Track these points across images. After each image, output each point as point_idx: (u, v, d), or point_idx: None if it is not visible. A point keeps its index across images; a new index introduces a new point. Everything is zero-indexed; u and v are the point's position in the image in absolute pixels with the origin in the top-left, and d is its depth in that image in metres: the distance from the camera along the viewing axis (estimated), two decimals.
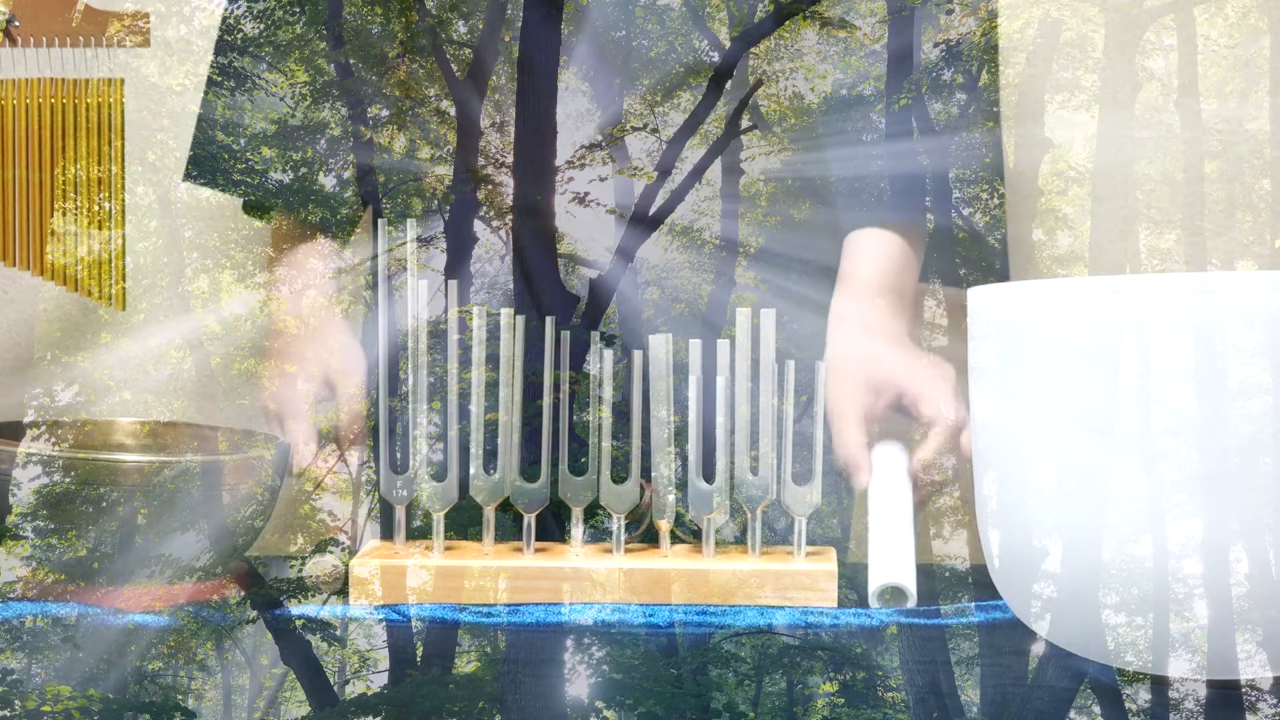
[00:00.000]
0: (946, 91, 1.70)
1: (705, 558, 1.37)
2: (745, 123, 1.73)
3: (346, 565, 1.40)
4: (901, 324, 1.66)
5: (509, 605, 1.35)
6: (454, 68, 1.73)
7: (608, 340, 1.65)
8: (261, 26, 1.77)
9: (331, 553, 1.51)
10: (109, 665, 1.24)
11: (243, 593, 1.43)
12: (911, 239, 1.70)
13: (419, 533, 1.43)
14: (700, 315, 1.74)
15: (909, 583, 1.36)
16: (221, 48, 1.74)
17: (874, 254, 1.68)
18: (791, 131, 1.73)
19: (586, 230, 1.74)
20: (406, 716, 1.16)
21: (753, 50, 1.72)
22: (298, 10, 1.75)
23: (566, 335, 1.39)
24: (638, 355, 1.38)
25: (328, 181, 1.74)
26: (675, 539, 1.40)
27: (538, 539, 1.39)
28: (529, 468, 1.39)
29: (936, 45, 1.70)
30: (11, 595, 1.39)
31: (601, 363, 1.38)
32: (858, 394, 1.59)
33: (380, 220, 1.43)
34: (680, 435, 1.39)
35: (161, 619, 1.34)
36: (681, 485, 1.39)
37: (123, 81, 1.50)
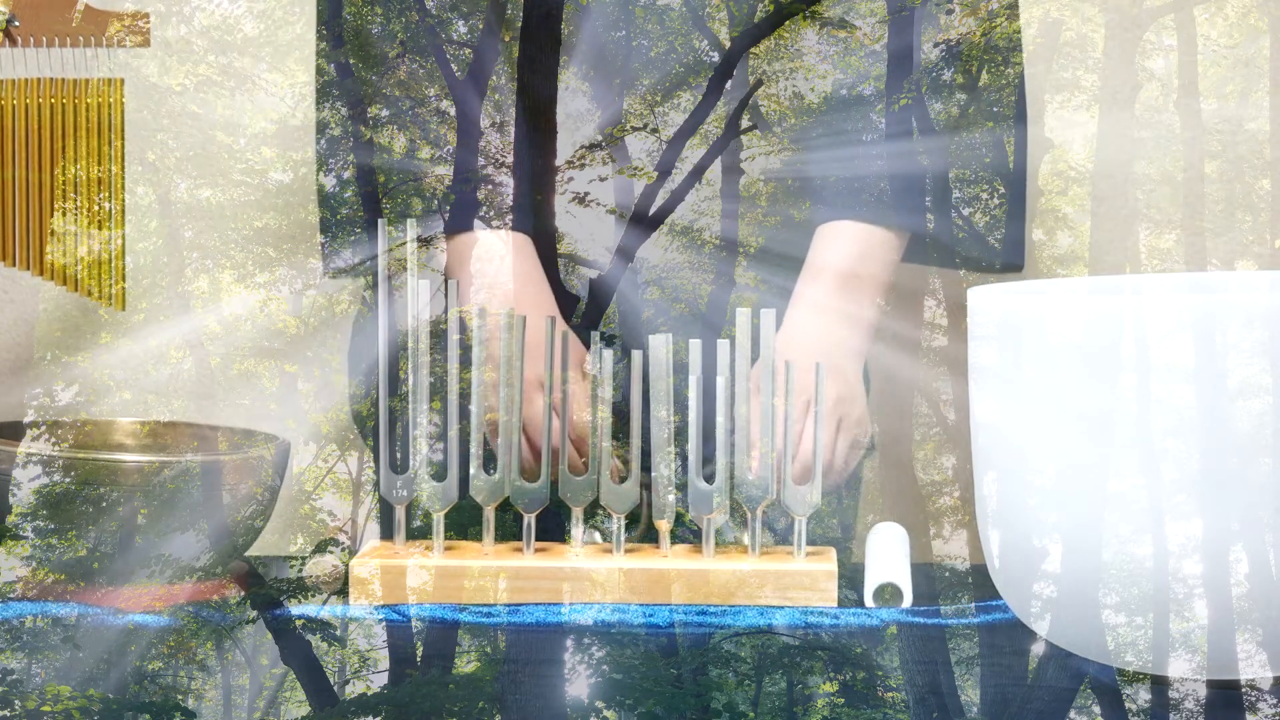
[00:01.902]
0: (946, 91, 1.70)
1: (705, 558, 1.37)
2: (745, 123, 1.73)
3: (346, 565, 1.40)
4: (848, 328, 1.66)
5: (509, 605, 1.35)
6: (454, 68, 1.73)
7: (608, 340, 1.65)
8: (262, 26, 1.77)
9: (331, 553, 1.51)
10: (109, 665, 1.24)
11: (243, 593, 1.43)
12: (886, 235, 1.70)
13: (419, 533, 1.43)
14: (700, 315, 1.74)
15: (905, 581, 1.36)
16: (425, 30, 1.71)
17: (839, 247, 1.68)
18: (791, 131, 1.73)
19: (586, 230, 1.74)
20: (406, 716, 1.16)
21: (753, 50, 1.72)
22: (297, 10, 1.75)
23: (566, 335, 1.39)
24: (638, 355, 1.38)
25: (328, 181, 1.74)
26: (676, 539, 1.40)
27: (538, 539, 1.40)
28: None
29: (936, 45, 1.70)
30: (11, 595, 1.39)
31: (601, 363, 1.38)
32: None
33: (380, 220, 1.43)
34: (680, 435, 1.39)
35: (161, 619, 1.34)
36: (681, 485, 1.39)
37: (123, 81, 1.50)
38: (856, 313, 1.67)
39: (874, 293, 1.68)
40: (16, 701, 1.14)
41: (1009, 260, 1.72)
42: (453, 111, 1.73)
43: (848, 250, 1.67)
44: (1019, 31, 1.71)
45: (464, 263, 1.66)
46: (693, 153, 1.73)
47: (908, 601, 1.35)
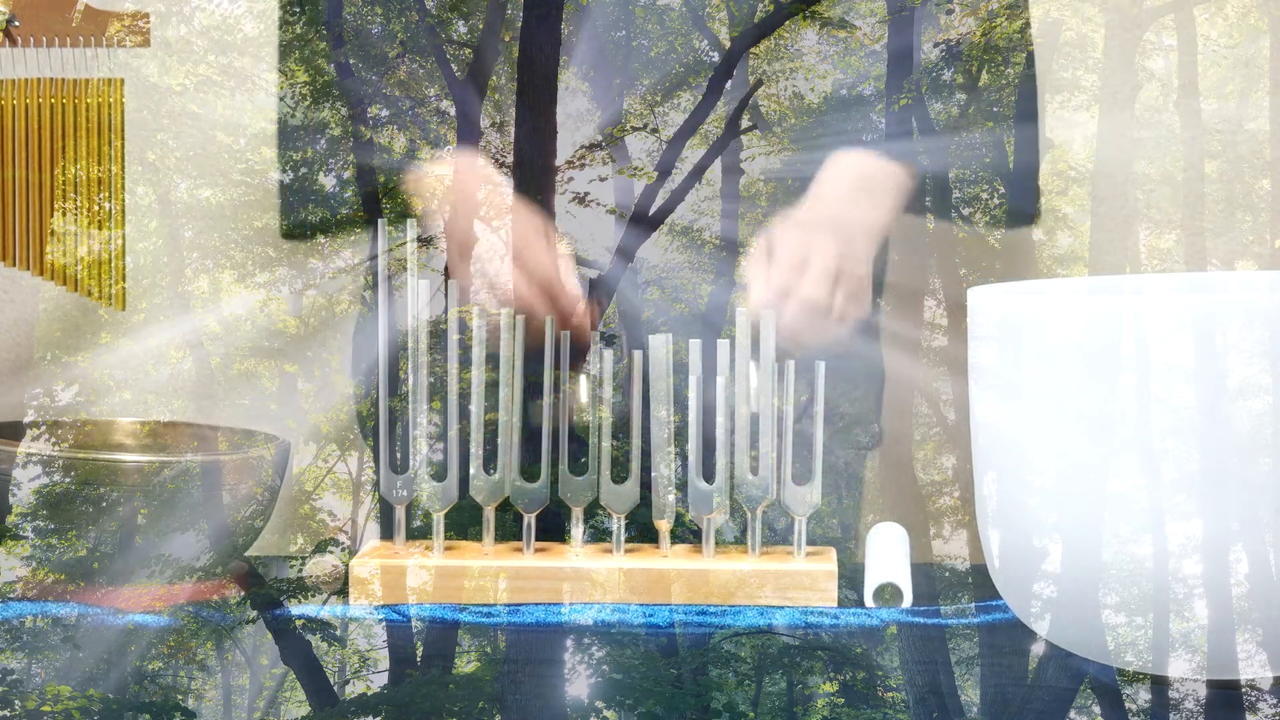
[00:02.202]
0: (946, 91, 1.70)
1: (705, 558, 1.37)
2: (745, 123, 1.73)
3: (346, 565, 1.40)
4: (862, 212, 1.65)
5: (509, 605, 1.35)
6: (454, 68, 1.73)
7: (608, 340, 1.65)
8: (261, 26, 1.77)
9: (331, 553, 1.51)
10: (109, 665, 1.24)
11: (243, 593, 1.43)
12: (896, 166, 1.68)
13: (419, 533, 1.43)
14: (700, 315, 1.74)
15: (905, 581, 1.36)
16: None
17: (850, 162, 1.67)
18: (791, 131, 1.73)
19: (586, 230, 1.74)
20: (406, 716, 1.16)
21: (753, 50, 1.73)
22: (298, 10, 1.75)
23: (566, 335, 1.39)
24: (638, 355, 1.38)
25: (328, 181, 1.74)
26: (676, 539, 1.40)
27: (539, 539, 1.40)
28: (529, 468, 1.39)
29: (936, 45, 1.70)
30: (11, 595, 1.39)
31: (601, 363, 1.38)
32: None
33: (380, 220, 1.43)
34: (680, 435, 1.39)
35: (161, 619, 1.34)
36: (681, 485, 1.39)
37: (123, 81, 1.50)
38: (870, 201, 1.64)
39: (885, 199, 1.66)
40: (16, 701, 1.14)
41: (1018, 206, 1.71)
42: (453, 111, 1.73)
43: (860, 165, 1.66)
44: (1019, 32, 1.71)
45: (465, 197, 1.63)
46: (693, 153, 1.73)
47: (908, 601, 1.35)
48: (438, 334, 1.46)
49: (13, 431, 1.57)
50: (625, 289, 1.73)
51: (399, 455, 1.43)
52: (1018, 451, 1.19)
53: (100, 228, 1.50)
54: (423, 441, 1.38)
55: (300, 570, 1.49)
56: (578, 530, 1.39)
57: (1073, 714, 1.15)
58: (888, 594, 1.36)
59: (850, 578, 1.41)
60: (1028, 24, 1.72)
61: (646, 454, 1.38)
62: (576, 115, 1.74)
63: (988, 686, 1.22)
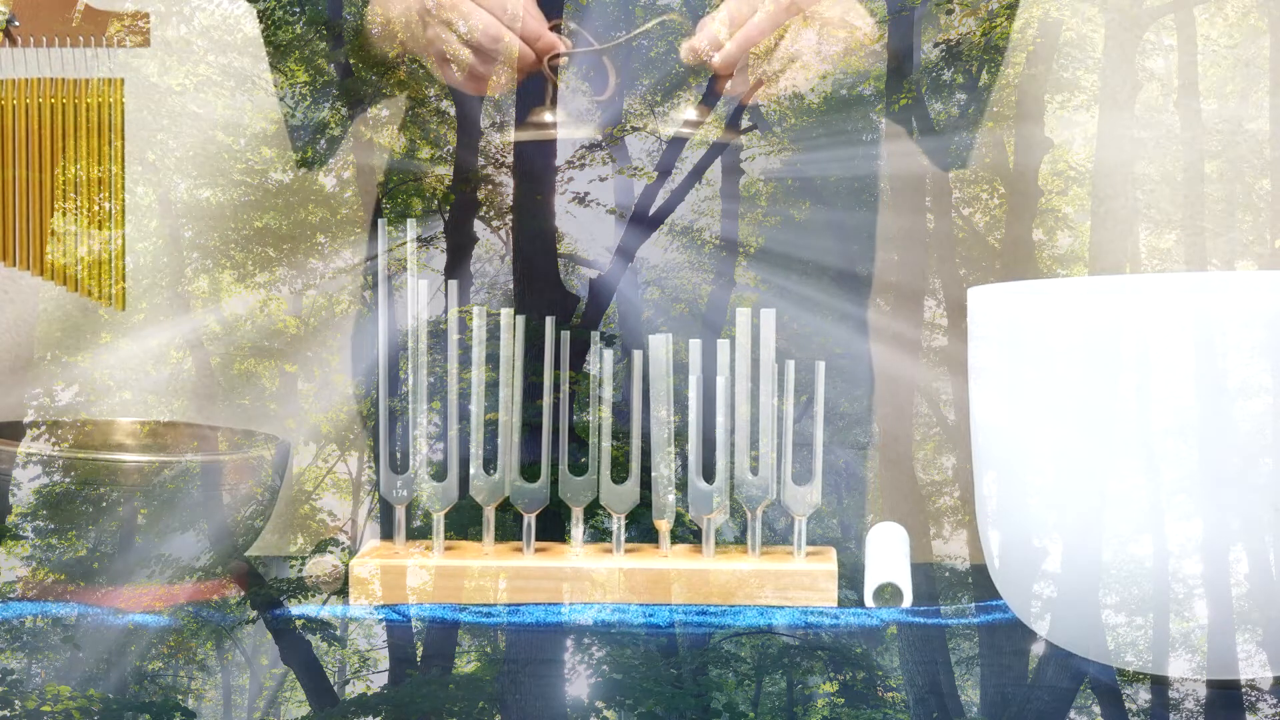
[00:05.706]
0: (946, 91, 1.70)
1: (705, 558, 1.37)
2: (745, 123, 1.73)
3: (346, 565, 1.40)
4: None
5: (509, 605, 1.35)
6: (454, 67, 1.73)
7: (608, 340, 1.65)
8: (261, 26, 1.77)
9: (331, 553, 1.51)
10: (109, 665, 1.24)
11: (243, 593, 1.43)
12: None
13: (419, 533, 1.43)
14: (700, 315, 1.74)
15: (905, 581, 1.36)
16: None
17: None
18: (791, 131, 1.73)
19: (586, 230, 1.74)
20: (406, 716, 1.16)
21: (753, 50, 1.72)
22: (298, 10, 1.75)
23: (566, 335, 1.39)
24: (638, 355, 1.38)
25: (328, 182, 1.74)
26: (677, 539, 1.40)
27: (539, 539, 1.40)
28: (529, 468, 1.39)
29: (936, 45, 1.70)
30: (11, 595, 1.39)
31: (601, 363, 1.38)
32: None
33: (380, 220, 1.43)
34: (680, 435, 1.39)
35: (161, 619, 1.34)
36: (681, 485, 1.39)
37: (123, 81, 1.50)
38: None
39: None
40: (16, 701, 1.14)
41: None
42: (453, 111, 1.73)
43: None
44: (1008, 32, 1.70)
45: None
46: (693, 153, 1.73)
47: (908, 601, 1.35)
48: (438, 334, 1.46)
49: (13, 431, 1.57)
50: (625, 289, 1.73)
51: (399, 455, 1.43)
52: (1018, 451, 1.19)
53: (100, 228, 1.50)
54: (423, 441, 1.38)
55: (300, 570, 1.49)
56: (578, 530, 1.39)
57: (1073, 714, 1.15)
58: (888, 594, 1.36)
59: (850, 578, 1.41)
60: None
61: (646, 454, 1.38)
62: (576, 115, 1.74)
63: (988, 686, 1.22)
